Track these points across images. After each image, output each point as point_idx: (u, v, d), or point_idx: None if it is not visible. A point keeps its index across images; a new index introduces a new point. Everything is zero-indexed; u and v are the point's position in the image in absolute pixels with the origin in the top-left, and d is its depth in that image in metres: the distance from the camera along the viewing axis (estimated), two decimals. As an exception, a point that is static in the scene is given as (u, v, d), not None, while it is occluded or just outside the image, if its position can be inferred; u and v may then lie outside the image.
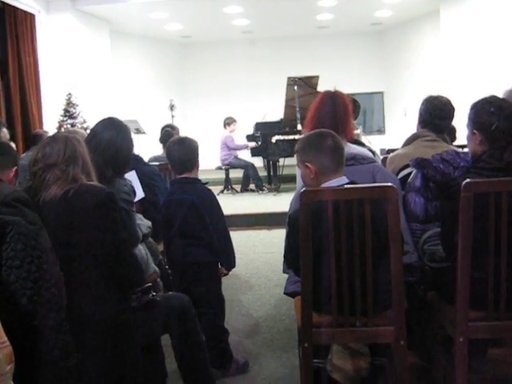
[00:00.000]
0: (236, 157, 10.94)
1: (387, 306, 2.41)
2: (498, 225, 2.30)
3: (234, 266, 3.45)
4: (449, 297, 2.54)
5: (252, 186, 11.02)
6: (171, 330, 2.72)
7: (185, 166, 3.36)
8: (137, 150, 3.51)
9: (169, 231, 3.36)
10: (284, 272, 3.12)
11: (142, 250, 3.14)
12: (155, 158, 6.38)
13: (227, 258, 3.38)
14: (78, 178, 2.35)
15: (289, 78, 10.36)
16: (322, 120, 3.13)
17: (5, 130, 5.33)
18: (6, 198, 1.97)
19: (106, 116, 3.13)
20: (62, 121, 9.74)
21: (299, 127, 10.02)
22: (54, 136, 2.54)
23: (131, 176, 3.42)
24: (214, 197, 3.40)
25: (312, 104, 3.29)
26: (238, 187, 11.05)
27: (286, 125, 10.94)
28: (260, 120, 11.91)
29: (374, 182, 2.84)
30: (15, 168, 2.78)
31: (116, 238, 2.36)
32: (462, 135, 2.84)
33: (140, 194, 3.64)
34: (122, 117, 3.33)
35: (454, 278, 2.40)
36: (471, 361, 2.47)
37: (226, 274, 3.44)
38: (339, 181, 2.51)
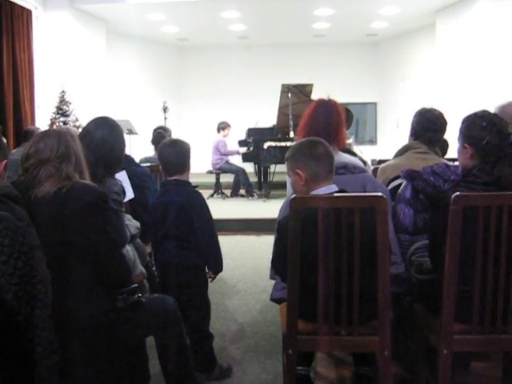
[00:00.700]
0: (227, 161, 10.94)
1: (373, 315, 2.42)
2: (486, 239, 2.31)
3: (221, 270, 3.44)
4: (434, 309, 2.55)
5: (242, 192, 11.01)
6: (156, 332, 2.71)
7: (176, 168, 3.35)
8: (128, 151, 3.51)
9: (157, 233, 3.35)
10: (271, 278, 3.12)
11: (129, 250, 3.13)
12: (146, 160, 6.37)
13: (214, 261, 3.37)
14: (71, 175, 2.34)
15: (283, 85, 10.39)
16: (315, 128, 3.14)
17: (-4, 125, 5.32)
18: None
19: (98, 115, 3.12)
20: (55, 118, 9.71)
21: (291, 134, 10.04)
22: (47, 131, 2.52)
23: (122, 176, 3.41)
24: (204, 200, 3.40)
25: (305, 111, 3.30)
26: (228, 192, 11.05)
27: (278, 132, 10.95)
28: (253, 126, 11.92)
29: (364, 192, 2.85)
30: (5, 161, 2.75)
31: (106, 238, 2.35)
32: (455, 148, 2.85)
33: (130, 194, 3.63)
34: (114, 117, 3.31)
35: (441, 290, 2.41)
36: (454, 373, 2.48)
37: (213, 278, 3.43)
38: (329, 189, 2.52)
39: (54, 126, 9.05)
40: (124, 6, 10.84)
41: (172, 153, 3.33)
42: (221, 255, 3.39)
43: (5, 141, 3.03)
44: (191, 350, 2.88)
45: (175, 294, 2.97)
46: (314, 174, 2.54)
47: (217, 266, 3.39)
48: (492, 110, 2.86)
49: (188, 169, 3.42)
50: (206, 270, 3.39)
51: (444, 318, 2.40)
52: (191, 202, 3.27)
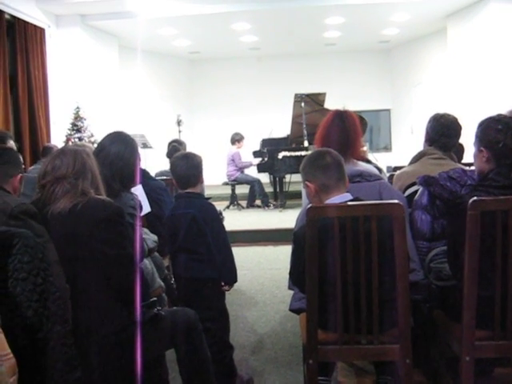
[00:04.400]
0: (242, 172, 10.96)
1: (393, 323, 2.40)
2: (505, 243, 2.29)
3: (235, 281, 3.43)
4: (455, 315, 2.53)
5: (258, 202, 11.01)
6: (178, 345, 2.70)
7: (189, 181, 3.37)
8: (143, 165, 3.52)
9: (173, 245, 3.36)
10: (289, 288, 3.10)
11: (147, 264, 3.14)
12: (162, 173, 6.40)
13: (228, 273, 3.36)
14: (87, 191, 2.36)
15: (296, 95, 10.38)
16: (332, 139, 3.14)
17: (12, 143, 5.37)
18: (14, 211, 1.99)
19: (113, 130, 3.14)
20: (70, 134, 9.78)
21: (306, 144, 10.03)
22: (63, 149, 2.55)
23: (138, 190, 3.43)
24: (216, 212, 3.40)
25: (321, 123, 3.31)
26: (243, 203, 11.05)
27: (292, 141, 10.95)
28: (267, 136, 11.94)
29: (381, 199, 2.84)
30: (20, 176, 2.76)
31: (123, 253, 2.36)
32: (470, 153, 2.84)
33: (146, 208, 3.65)
34: (129, 131, 3.34)
35: (461, 296, 2.39)
36: (477, 380, 2.45)
37: (228, 290, 3.42)
38: (342, 197, 2.51)
39: (70, 143, 9.11)
40: (135, 22, 10.91)
41: (184, 166, 3.35)
42: (235, 266, 3.38)
43: (21, 157, 3.05)
44: (212, 361, 2.87)
45: (193, 307, 2.98)
46: (322, 185, 2.54)
47: (231, 277, 3.38)
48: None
49: (201, 181, 3.43)
50: (222, 282, 3.39)
51: (465, 324, 2.38)
52: (203, 214, 3.28)
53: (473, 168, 2.95)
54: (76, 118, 9.93)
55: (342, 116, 3.26)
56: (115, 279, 2.35)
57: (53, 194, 2.33)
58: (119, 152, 2.95)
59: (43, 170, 2.42)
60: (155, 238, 3.39)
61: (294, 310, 2.98)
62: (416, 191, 3.12)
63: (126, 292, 2.41)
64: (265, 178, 11.60)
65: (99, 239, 2.29)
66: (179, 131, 11.76)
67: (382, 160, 10.53)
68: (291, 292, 3.09)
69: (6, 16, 8.84)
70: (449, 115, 3.47)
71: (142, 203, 3.30)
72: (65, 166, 2.39)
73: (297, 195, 10.11)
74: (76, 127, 9.87)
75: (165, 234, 3.46)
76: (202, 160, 3.44)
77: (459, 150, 4.34)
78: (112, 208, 2.35)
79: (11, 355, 1.56)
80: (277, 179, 10.69)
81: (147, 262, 3.12)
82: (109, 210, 2.34)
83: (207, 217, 3.29)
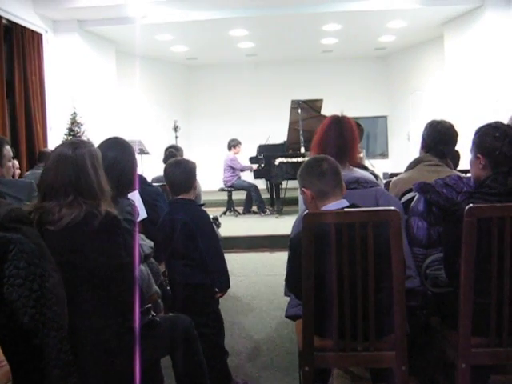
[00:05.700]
0: (239, 178, 10.96)
1: (389, 330, 2.40)
2: (501, 250, 2.30)
3: (228, 287, 3.42)
4: (451, 322, 2.53)
5: (254, 208, 11.00)
6: (173, 352, 2.70)
7: (181, 187, 3.38)
8: (140, 170, 3.51)
9: (166, 251, 3.37)
10: (285, 295, 3.10)
11: (143, 270, 3.12)
12: (158, 179, 6.38)
13: (220, 279, 3.35)
14: (83, 201, 2.33)
15: (293, 101, 10.40)
16: (329, 144, 3.15)
17: (8, 148, 5.35)
18: (3, 221, 1.89)
19: (110, 136, 3.13)
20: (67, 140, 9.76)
21: (302, 150, 10.04)
22: (62, 156, 2.52)
23: (134, 196, 3.42)
24: (208, 218, 3.41)
25: (319, 128, 3.31)
26: (240, 209, 11.05)
27: (289, 147, 10.96)
28: (263, 142, 11.95)
29: (377, 206, 2.84)
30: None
31: (118, 263, 2.34)
32: (466, 160, 2.85)
33: (143, 213, 3.64)
34: (126, 137, 3.34)
35: (457, 303, 2.39)
36: (473, 387, 2.45)
37: (221, 296, 3.41)
38: (339, 204, 2.51)
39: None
40: (132, 28, 10.92)
41: (176, 172, 3.37)
42: (227, 273, 3.38)
43: (17, 163, 3.02)
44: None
45: (186, 312, 2.97)
46: (319, 191, 2.54)
47: (222, 283, 3.37)
48: (505, 121, 2.85)
49: (194, 187, 3.44)
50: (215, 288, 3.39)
51: (461, 331, 2.38)
52: (194, 220, 3.29)
53: (469, 175, 2.96)
54: (73, 124, 9.91)
55: (339, 121, 3.27)
56: (112, 288, 2.34)
57: (50, 203, 2.31)
58: (116, 158, 2.94)
59: (41, 180, 2.39)
60: (151, 243, 3.38)
61: (290, 317, 2.98)
62: (412, 198, 3.13)
63: (122, 299, 2.40)
64: (261, 184, 11.60)
65: (94, 249, 2.27)
66: (176, 137, 11.76)
67: (378, 166, 10.57)
68: (287, 298, 3.08)
69: (4, 21, 8.84)
70: (445, 122, 3.48)
71: (139, 209, 3.30)
72: (61, 176, 2.37)
73: (293, 201, 10.11)
74: (73, 132, 9.86)
75: (158, 239, 3.46)
76: (195, 166, 3.45)
77: (455, 157, 4.36)
78: (108, 218, 2.34)
79: (5, 362, 1.55)
80: (273, 185, 10.69)
81: (143, 268, 3.10)
82: (105, 220, 2.32)
83: (199, 223, 3.30)
